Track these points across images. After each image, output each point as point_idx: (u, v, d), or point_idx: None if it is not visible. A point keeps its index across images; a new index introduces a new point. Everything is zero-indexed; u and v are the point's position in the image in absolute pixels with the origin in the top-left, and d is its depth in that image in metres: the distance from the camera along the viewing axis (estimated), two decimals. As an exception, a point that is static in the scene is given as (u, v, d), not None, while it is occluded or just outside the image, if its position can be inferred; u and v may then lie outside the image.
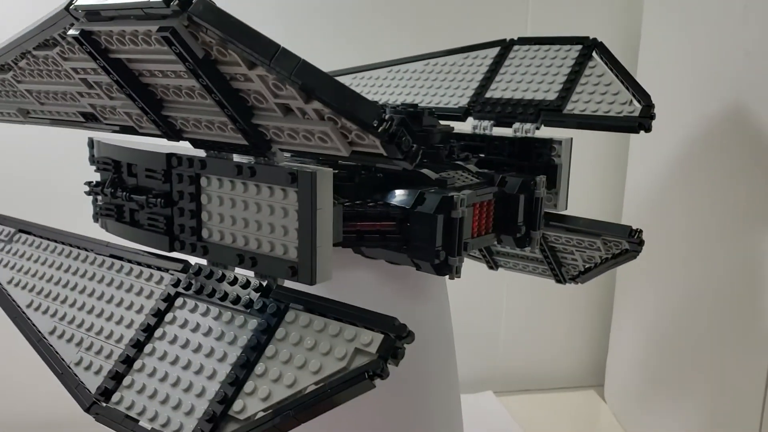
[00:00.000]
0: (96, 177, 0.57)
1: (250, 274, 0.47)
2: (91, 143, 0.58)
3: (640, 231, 0.67)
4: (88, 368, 0.48)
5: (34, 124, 0.59)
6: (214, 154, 0.47)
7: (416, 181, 0.55)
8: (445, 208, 0.50)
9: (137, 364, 0.46)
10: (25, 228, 0.62)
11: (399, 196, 0.52)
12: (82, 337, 0.49)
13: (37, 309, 0.54)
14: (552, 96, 0.70)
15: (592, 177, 1.17)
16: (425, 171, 0.55)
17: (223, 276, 0.47)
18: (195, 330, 0.46)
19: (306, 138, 0.40)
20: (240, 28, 0.35)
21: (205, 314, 0.46)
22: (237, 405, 0.41)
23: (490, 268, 0.82)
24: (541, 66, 0.73)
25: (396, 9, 1.10)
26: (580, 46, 0.72)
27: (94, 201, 0.57)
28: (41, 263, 0.57)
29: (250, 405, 0.41)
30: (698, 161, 0.90)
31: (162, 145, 0.51)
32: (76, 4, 0.40)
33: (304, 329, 0.42)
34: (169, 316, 0.47)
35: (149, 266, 0.51)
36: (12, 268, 0.59)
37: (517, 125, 0.70)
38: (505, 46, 0.78)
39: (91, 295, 0.52)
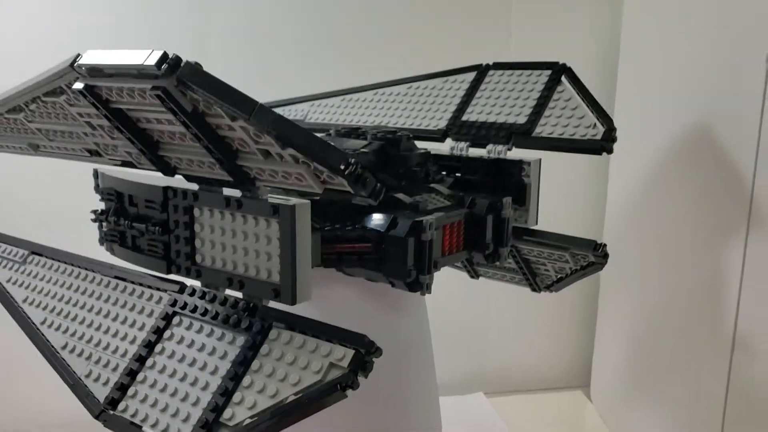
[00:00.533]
0: (101, 205, 0.63)
1: (239, 295, 0.52)
2: (96, 174, 0.64)
3: (604, 245, 0.73)
4: (96, 380, 0.53)
5: (44, 156, 0.65)
6: (205, 187, 0.53)
7: (392, 206, 0.60)
8: (416, 231, 0.55)
9: (140, 377, 0.52)
10: (37, 250, 0.67)
11: (375, 220, 0.57)
12: (91, 352, 0.55)
13: (50, 326, 0.59)
14: (522, 119, 0.75)
15: (575, 190, 1.23)
16: (400, 195, 0.61)
17: (215, 297, 0.53)
18: (190, 346, 0.51)
19: (284, 177, 0.46)
20: (222, 88, 0.41)
21: (199, 332, 0.52)
22: (227, 413, 0.46)
23: (472, 277, 0.88)
24: (513, 90, 0.79)
25: (382, 31, 1.16)
26: (549, 71, 0.78)
27: (100, 227, 0.63)
28: (53, 283, 0.63)
29: (238, 413, 0.46)
30: (673, 174, 0.95)
31: (160, 177, 0.56)
32: (79, 62, 0.46)
33: (285, 346, 0.48)
34: (167, 333, 0.53)
35: (149, 287, 0.57)
36: (26, 287, 0.64)
37: (490, 147, 0.75)
38: (481, 71, 0.83)
39: (98, 313, 0.58)
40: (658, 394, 0.98)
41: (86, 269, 0.62)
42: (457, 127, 0.79)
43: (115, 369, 0.53)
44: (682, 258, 0.92)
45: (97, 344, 0.55)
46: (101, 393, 0.52)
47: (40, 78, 0.51)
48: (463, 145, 0.77)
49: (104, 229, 0.62)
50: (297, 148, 0.41)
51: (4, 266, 0.67)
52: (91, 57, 0.46)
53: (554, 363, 1.32)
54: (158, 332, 0.53)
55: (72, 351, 0.56)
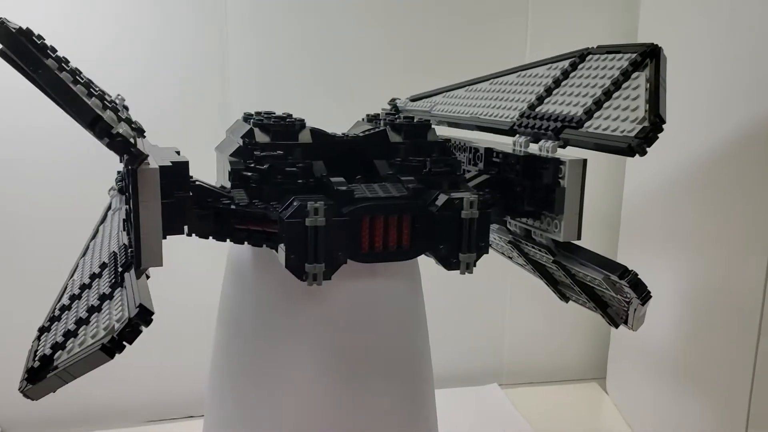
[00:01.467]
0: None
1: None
2: None
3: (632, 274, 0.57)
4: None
5: None
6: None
7: (324, 190, 0.56)
8: (299, 215, 0.51)
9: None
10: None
11: (287, 202, 0.55)
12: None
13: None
14: (579, 111, 0.62)
15: (590, 181, 1.01)
16: (335, 180, 0.56)
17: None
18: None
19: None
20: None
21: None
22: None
23: (560, 299, 0.75)
24: (596, 78, 0.66)
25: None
26: (634, 54, 0.63)
27: None
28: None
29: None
30: (696, 164, 0.92)
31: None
32: None
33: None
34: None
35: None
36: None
37: (542, 143, 0.64)
38: (580, 56, 0.71)
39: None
40: (677, 386, 0.97)
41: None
42: (526, 120, 0.69)
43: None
44: (702, 248, 0.91)
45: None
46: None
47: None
48: (522, 140, 0.67)
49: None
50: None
51: None
52: None
53: (569, 354, 1.30)
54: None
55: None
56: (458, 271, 0.57)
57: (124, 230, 0.61)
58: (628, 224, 1.15)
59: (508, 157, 0.65)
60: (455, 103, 0.85)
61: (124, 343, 0.44)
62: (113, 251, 0.59)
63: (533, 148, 0.66)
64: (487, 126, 0.73)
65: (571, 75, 0.69)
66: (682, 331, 0.96)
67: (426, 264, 0.65)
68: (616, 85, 0.61)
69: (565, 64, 0.72)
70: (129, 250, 0.54)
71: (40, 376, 0.48)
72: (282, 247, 0.53)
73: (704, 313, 0.91)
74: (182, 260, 0.86)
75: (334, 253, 0.53)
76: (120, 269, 0.53)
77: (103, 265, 0.59)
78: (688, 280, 0.94)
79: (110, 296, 0.51)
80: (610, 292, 0.63)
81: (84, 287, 0.58)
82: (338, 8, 1.09)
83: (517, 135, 0.68)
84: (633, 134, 0.54)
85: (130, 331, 0.44)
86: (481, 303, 1.25)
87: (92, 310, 0.51)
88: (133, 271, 0.51)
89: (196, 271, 1.02)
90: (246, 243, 0.57)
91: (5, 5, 0.92)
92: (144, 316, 0.44)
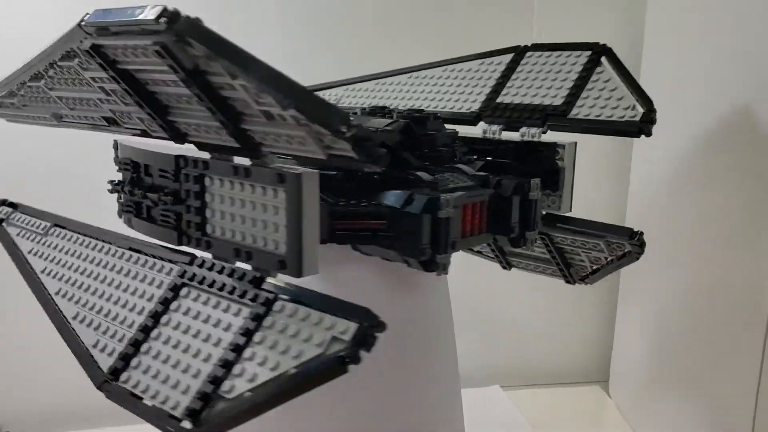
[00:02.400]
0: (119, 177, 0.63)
1: (249, 267, 0.51)
2: (115, 145, 0.63)
3: (641, 233, 0.69)
4: (102, 350, 0.52)
5: (67, 126, 0.64)
6: (216, 155, 0.51)
7: (411, 184, 0.58)
8: (432, 208, 0.53)
9: (144, 347, 0.50)
10: (60, 223, 0.67)
11: (391, 196, 0.55)
12: (100, 323, 0.54)
13: (64, 296, 0.59)
14: (558, 101, 0.72)
15: (596, 176, 1.19)
16: (421, 173, 0.58)
17: (223, 268, 0.51)
18: (196, 317, 0.50)
19: (287, 142, 0.44)
20: (221, 43, 0.39)
21: (205, 303, 0.50)
22: (226, 385, 0.45)
23: (504, 267, 0.84)
24: (550, 72, 0.75)
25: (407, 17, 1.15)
26: (589, 52, 0.74)
27: (118, 199, 0.62)
28: (70, 255, 0.62)
29: (238, 385, 0.45)
30: (702, 160, 0.92)
31: (175, 147, 0.55)
32: (87, 20, 0.45)
33: (289, 318, 0.46)
34: (174, 305, 0.52)
35: (161, 258, 0.56)
36: (46, 258, 0.64)
37: (524, 129, 0.72)
38: (518, 52, 0.80)
39: (110, 284, 0.57)
40: (681, 390, 0.96)
41: (103, 241, 0.61)
42: (491, 110, 0.76)
43: (121, 339, 0.52)
44: (707, 250, 0.90)
45: (107, 315, 0.54)
46: (105, 363, 0.51)
47: (56, 40, 0.51)
48: (496, 128, 0.75)
49: (121, 201, 0.61)
50: (297, 107, 0.39)
51: (27, 237, 0.67)
52: (98, 15, 0.45)
53: (572, 357, 1.30)
54: (165, 303, 0.52)
55: (82, 321, 0.56)
56: (523, 249, 0.63)
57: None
58: (631, 223, 1.16)
59: (502, 143, 0.73)
60: (377, 97, 0.89)
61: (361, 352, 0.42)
62: (176, 280, 0.53)
63: (510, 135, 0.74)
64: (448, 117, 0.79)
65: (518, 70, 0.78)
66: (686, 334, 0.95)
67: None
68: (584, 79, 0.72)
69: (503, 59, 0.81)
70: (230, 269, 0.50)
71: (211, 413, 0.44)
72: (405, 241, 0.53)
73: (709, 315, 0.89)
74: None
75: (455, 242, 0.55)
76: (250, 285, 0.49)
77: (175, 288, 0.52)
78: (692, 282, 0.94)
79: (265, 314, 0.47)
80: (590, 253, 0.74)
81: (157, 315, 0.51)
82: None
83: (487, 124, 0.76)
84: (637, 118, 0.66)
85: (362, 337, 0.43)
86: (484, 304, 1.24)
87: (249, 333, 0.46)
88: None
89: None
90: (344, 243, 0.56)
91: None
92: (373, 320, 0.43)
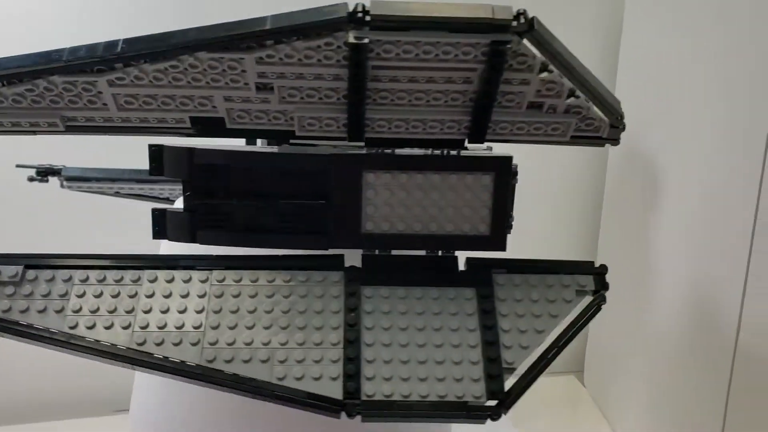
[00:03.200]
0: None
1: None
2: (159, 152, 0.51)
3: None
4: (318, 379, 0.47)
5: (74, 133, 0.49)
6: (377, 150, 0.51)
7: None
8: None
9: (370, 356, 0.48)
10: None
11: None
12: (287, 355, 0.48)
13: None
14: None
15: (571, 186, 1.21)
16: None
17: (398, 261, 0.52)
18: (405, 313, 0.50)
19: (536, 129, 0.49)
20: (555, 41, 0.43)
21: (404, 297, 0.50)
22: (508, 357, 0.49)
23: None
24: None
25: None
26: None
27: (188, 215, 0.51)
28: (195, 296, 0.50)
29: (516, 356, 0.49)
30: (673, 171, 0.91)
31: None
32: (374, 12, 0.41)
33: (518, 287, 0.51)
34: (369, 307, 0.50)
35: (309, 269, 0.51)
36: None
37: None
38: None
39: (270, 312, 0.49)
40: (652, 381, 0.97)
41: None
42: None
43: (335, 361, 0.48)
44: (680, 247, 0.89)
45: (302, 344, 0.48)
46: (335, 391, 0.47)
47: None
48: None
49: (202, 215, 0.51)
50: (596, 101, 0.47)
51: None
52: (382, 7, 0.41)
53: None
54: (355, 311, 0.50)
55: (280, 363, 0.48)
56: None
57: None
58: (607, 223, 1.13)
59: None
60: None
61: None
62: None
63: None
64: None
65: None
66: (658, 327, 0.94)
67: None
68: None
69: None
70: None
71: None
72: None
73: (682, 310, 0.89)
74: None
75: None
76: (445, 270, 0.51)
77: (355, 293, 0.50)
78: (666, 279, 0.92)
79: (490, 291, 0.51)
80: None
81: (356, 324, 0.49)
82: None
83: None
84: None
85: (604, 284, 0.53)
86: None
87: (489, 310, 0.50)
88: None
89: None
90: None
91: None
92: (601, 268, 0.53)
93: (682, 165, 0.88)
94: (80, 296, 0.49)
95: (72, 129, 0.48)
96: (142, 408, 0.67)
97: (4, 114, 0.47)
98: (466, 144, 0.50)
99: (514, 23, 0.41)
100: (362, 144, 0.50)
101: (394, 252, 0.52)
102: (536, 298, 0.51)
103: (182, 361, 0.47)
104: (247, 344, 0.48)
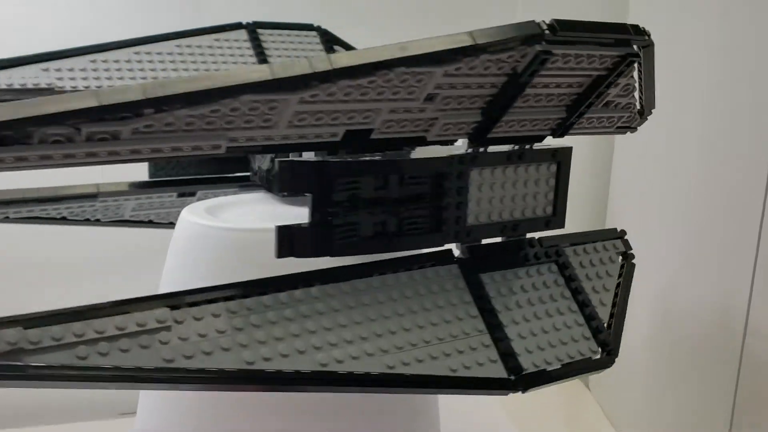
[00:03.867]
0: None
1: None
2: (289, 167, 0.48)
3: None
4: (482, 365, 0.51)
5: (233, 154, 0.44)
6: (478, 150, 0.56)
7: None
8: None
9: (511, 335, 0.53)
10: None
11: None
12: (452, 350, 0.51)
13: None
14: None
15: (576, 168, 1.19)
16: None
17: (492, 248, 0.58)
18: (524, 290, 0.56)
19: (598, 122, 0.59)
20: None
21: (515, 278, 0.57)
22: (600, 317, 0.58)
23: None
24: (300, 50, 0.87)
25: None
26: (313, 33, 0.89)
27: (325, 231, 0.50)
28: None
29: (603, 312, 0.59)
30: (685, 158, 0.90)
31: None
32: (560, 29, 0.47)
33: (579, 257, 0.61)
34: (492, 292, 0.55)
35: (419, 267, 0.54)
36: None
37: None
38: (249, 30, 0.85)
39: (401, 315, 0.51)
40: (660, 386, 0.97)
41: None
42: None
43: (486, 346, 0.52)
44: (687, 249, 0.89)
45: (454, 336, 0.51)
46: (499, 371, 0.52)
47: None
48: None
49: (333, 227, 0.50)
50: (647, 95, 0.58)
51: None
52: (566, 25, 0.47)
53: None
54: (483, 297, 0.54)
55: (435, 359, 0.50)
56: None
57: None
58: (613, 217, 1.11)
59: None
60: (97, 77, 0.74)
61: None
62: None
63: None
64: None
65: (265, 47, 0.85)
66: (666, 331, 0.93)
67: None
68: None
69: (235, 36, 0.84)
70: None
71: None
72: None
73: (689, 313, 0.87)
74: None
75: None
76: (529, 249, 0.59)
77: (476, 281, 0.55)
78: (672, 281, 0.92)
79: (566, 263, 0.60)
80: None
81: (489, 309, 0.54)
82: None
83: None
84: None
85: (626, 241, 0.65)
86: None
87: (571, 277, 0.59)
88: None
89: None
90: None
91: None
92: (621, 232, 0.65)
93: (687, 164, 0.88)
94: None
95: (231, 150, 0.44)
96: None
97: (167, 138, 0.41)
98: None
99: (646, 38, 0.50)
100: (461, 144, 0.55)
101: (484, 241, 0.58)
102: (592, 263, 0.61)
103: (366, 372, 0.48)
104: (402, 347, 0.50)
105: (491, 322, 0.53)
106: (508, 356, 0.52)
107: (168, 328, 0.43)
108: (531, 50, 0.47)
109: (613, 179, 1.13)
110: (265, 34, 0.85)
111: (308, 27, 0.88)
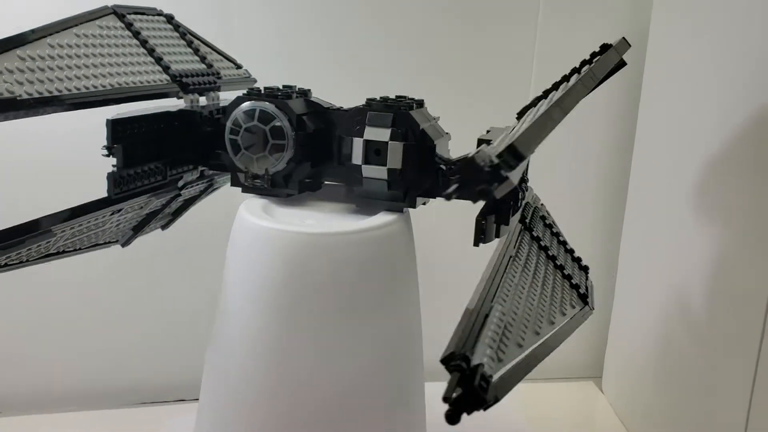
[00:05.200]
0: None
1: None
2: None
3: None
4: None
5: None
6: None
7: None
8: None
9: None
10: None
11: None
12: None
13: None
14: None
15: (595, 170, 1.19)
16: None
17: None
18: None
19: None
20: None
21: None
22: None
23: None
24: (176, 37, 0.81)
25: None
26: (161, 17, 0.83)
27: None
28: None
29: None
30: (703, 159, 0.89)
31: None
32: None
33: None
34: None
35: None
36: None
37: (213, 94, 0.80)
38: (119, 15, 0.75)
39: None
40: (674, 387, 0.95)
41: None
42: (180, 77, 0.75)
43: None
44: (704, 247, 0.87)
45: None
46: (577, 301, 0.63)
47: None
48: (199, 97, 0.77)
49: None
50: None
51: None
52: None
53: (566, 353, 1.07)
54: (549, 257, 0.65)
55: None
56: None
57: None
58: (630, 221, 1.12)
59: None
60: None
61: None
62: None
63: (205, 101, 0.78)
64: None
65: (146, 35, 0.75)
66: (680, 331, 0.91)
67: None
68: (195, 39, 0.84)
69: (108, 23, 0.73)
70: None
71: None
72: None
73: (705, 313, 0.85)
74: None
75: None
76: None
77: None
78: (688, 279, 0.89)
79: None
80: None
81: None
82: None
83: (191, 93, 0.76)
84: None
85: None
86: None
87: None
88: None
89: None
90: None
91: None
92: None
93: (703, 167, 0.88)
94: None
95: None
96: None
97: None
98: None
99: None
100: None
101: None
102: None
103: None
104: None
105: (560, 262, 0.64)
106: (575, 287, 0.64)
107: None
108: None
109: (632, 180, 1.14)
110: (136, 18, 0.76)
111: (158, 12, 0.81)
